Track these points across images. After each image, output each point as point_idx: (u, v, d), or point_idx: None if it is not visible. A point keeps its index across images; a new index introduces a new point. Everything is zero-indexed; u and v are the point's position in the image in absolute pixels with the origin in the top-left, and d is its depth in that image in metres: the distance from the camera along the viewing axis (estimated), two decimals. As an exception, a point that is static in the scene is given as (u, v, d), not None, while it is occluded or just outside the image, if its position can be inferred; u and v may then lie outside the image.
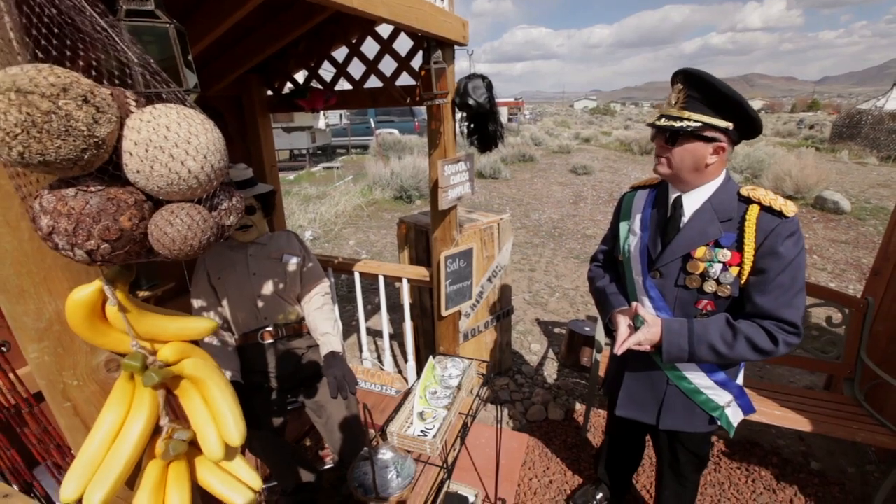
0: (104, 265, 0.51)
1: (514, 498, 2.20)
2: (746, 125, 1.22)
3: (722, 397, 1.45)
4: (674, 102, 1.26)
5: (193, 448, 0.68)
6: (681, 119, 1.23)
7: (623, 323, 1.43)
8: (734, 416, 1.48)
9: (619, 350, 1.38)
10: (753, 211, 1.25)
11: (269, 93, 2.53)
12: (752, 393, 2.22)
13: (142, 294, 1.93)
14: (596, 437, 2.58)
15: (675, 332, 1.31)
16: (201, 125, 0.50)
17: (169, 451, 0.63)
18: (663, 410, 1.50)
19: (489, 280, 2.83)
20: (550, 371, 3.27)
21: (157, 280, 1.97)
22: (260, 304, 1.84)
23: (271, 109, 2.54)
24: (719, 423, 1.47)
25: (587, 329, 3.00)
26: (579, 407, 2.84)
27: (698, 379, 1.43)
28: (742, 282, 1.27)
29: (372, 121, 18.73)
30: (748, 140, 1.31)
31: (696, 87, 1.22)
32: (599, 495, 2.11)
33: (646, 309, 1.42)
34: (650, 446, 2.27)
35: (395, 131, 17.02)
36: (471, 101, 1.76)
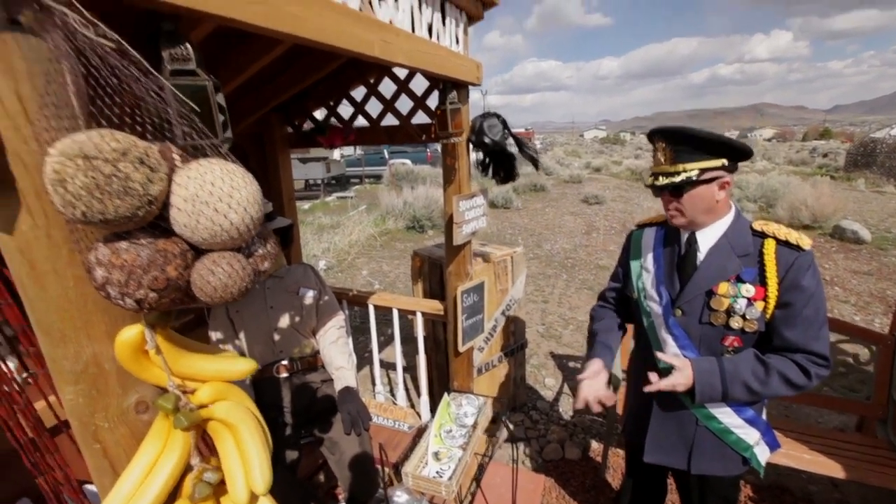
0: (150, 311, 0.53)
1: (532, 542, 2.11)
2: (737, 155, 1.26)
3: (751, 436, 1.40)
4: (663, 160, 1.30)
5: (223, 486, 0.68)
6: (677, 173, 1.26)
7: (589, 371, 1.46)
8: (762, 454, 1.44)
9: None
10: (770, 245, 1.26)
11: (290, 130, 2.62)
12: (779, 434, 2.14)
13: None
14: (615, 478, 2.49)
15: (706, 371, 1.29)
16: (242, 179, 0.53)
17: (195, 493, 0.64)
18: (694, 454, 1.45)
19: (503, 313, 2.82)
20: (566, 407, 3.20)
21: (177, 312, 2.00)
22: (276, 336, 1.85)
23: (291, 145, 2.62)
24: (751, 465, 1.42)
25: (618, 345, 2.94)
26: (596, 445, 2.75)
27: (728, 418, 1.39)
28: (768, 316, 1.26)
29: (385, 151, 19.15)
30: (743, 162, 1.33)
31: (678, 141, 1.26)
32: (621, 540, 2.02)
33: (669, 348, 1.40)
34: (672, 488, 2.19)
35: (408, 161, 17.36)
36: (487, 140, 1.80)
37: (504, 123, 1.88)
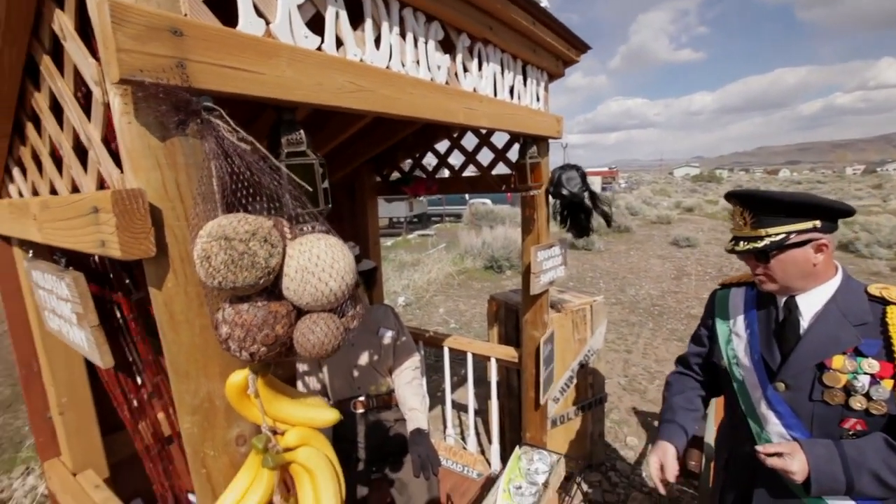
0: (259, 362, 0.63)
1: None
2: (833, 216, 1.12)
3: None
4: (743, 224, 1.20)
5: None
6: (759, 238, 1.15)
7: (656, 459, 1.37)
8: None
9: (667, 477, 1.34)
10: (894, 313, 1.10)
11: (378, 179, 2.85)
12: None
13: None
14: (707, 562, 2.21)
15: (822, 457, 1.12)
16: (341, 252, 0.63)
17: None
18: None
19: (581, 365, 2.71)
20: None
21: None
22: (355, 373, 1.96)
23: (378, 192, 2.84)
24: None
25: (695, 427, 2.68)
26: (685, 521, 2.48)
27: None
28: None
29: (466, 191, 19.65)
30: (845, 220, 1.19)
31: (757, 206, 1.16)
32: None
33: (772, 426, 1.25)
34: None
35: (488, 201, 17.63)
36: (565, 192, 1.82)
37: (583, 177, 1.89)
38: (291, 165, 0.81)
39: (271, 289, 0.63)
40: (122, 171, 0.71)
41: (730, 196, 1.26)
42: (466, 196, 19.30)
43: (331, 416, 0.74)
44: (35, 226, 0.97)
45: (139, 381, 1.61)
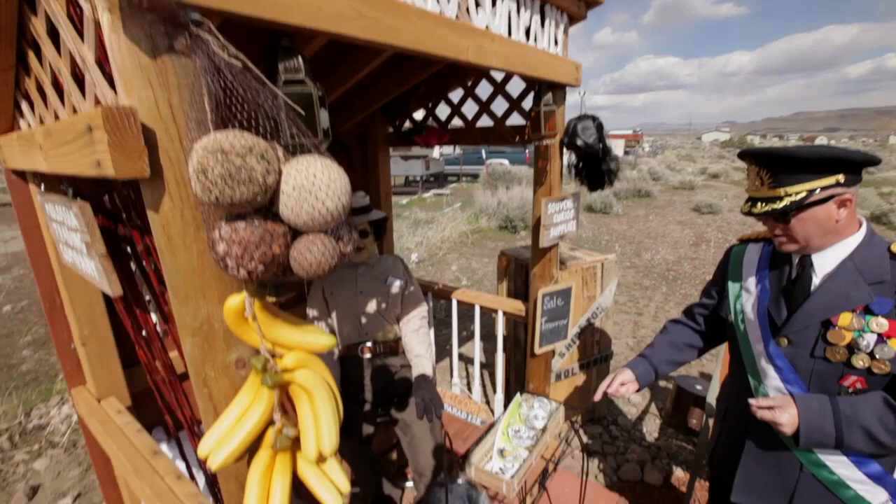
0: (256, 281, 0.64)
1: (597, 561, 2.03)
2: (857, 168, 1.06)
3: (876, 496, 1.18)
4: (759, 184, 1.13)
5: (298, 443, 0.79)
6: (778, 199, 1.09)
7: (610, 376, 1.44)
8: None
9: (603, 392, 1.42)
10: None
11: (390, 129, 2.79)
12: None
13: (271, 300, 2.26)
14: (699, 512, 2.28)
15: (814, 412, 1.12)
16: (337, 172, 0.63)
17: (276, 444, 0.75)
18: (795, 502, 1.26)
19: (588, 322, 2.72)
20: (651, 428, 2.99)
21: (282, 290, 2.28)
22: (363, 320, 2.01)
23: (390, 144, 2.80)
24: None
25: (698, 388, 2.70)
26: (681, 474, 2.55)
27: (844, 469, 1.19)
28: None
29: (483, 151, 19.31)
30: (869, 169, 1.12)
31: (774, 165, 1.09)
32: (698, 581, 1.86)
33: (770, 380, 1.24)
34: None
35: (506, 161, 17.32)
36: (579, 142, 1.76)
37: (599, 127, 1.81)
38: (288, 94, 0.78)
39: (267, 210, 0.63)
40: (116, 93, 0.71)
41: (744, 155, 1.19)
42: (483, 155, 18.96)
43: (326, 340, 0.76)
44: (41, 155, 0.98)
45: (153, 318, 1.67)
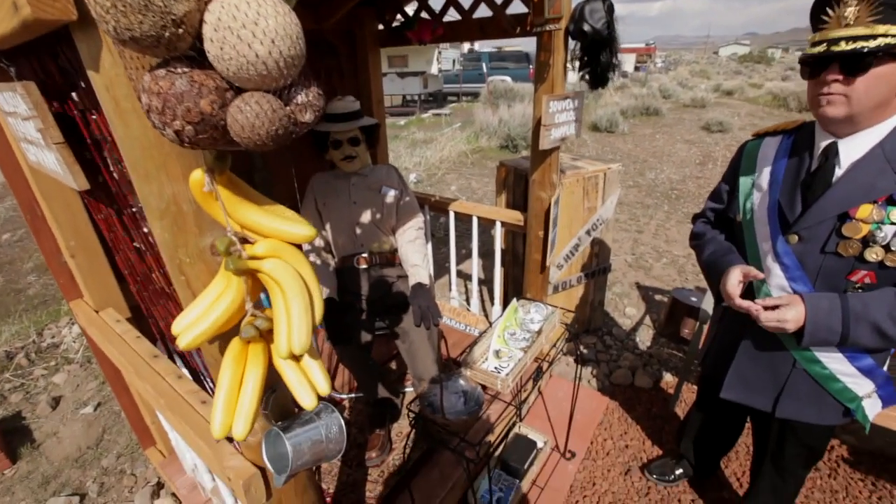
0: (192, 147, 0.56)
1: (585, 454, 2.17)
2: None
3: (863, 387, 1.21)
4: (852, 18, 0.96)
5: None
6: (873, 37, 0.92)
7: (735, 277, 1.21)
8: (871, 408, 1.24)
9: (739, 305, 1.18)
10: None
11: (380, 27, 2.55)
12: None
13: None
14: (685, 412, 2.40)
15: (822, 310, 1.09)
16: (272, 8, 0.49)
17: (241, 333, 0.72)
18: (784, 396, 1.28)
19: (588, 233, 2.68)
20: (644, 338, 3.08)
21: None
22: (358, 230, 1.96)
23: (382, 44, 2.56)
24: (854, 417, 1.24)
25: (693, 299, 2.73)
26: (670, 378, 2.65)
27: (836, 364, 1.19)
28: None
29: (485, 66, 18.18)
30: None
31: None
32: (679, 471, 1.99)
33: (774, 279, 1.20)
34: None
35: (508, 78, 16.37)
36: (586, 28, 1.58)
37: (610, 10, 1.62)
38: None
39: (196, 55, 0.52)
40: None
41: None
42: (485, 70, 17.90)
43: (303, 231, 0.68)
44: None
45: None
